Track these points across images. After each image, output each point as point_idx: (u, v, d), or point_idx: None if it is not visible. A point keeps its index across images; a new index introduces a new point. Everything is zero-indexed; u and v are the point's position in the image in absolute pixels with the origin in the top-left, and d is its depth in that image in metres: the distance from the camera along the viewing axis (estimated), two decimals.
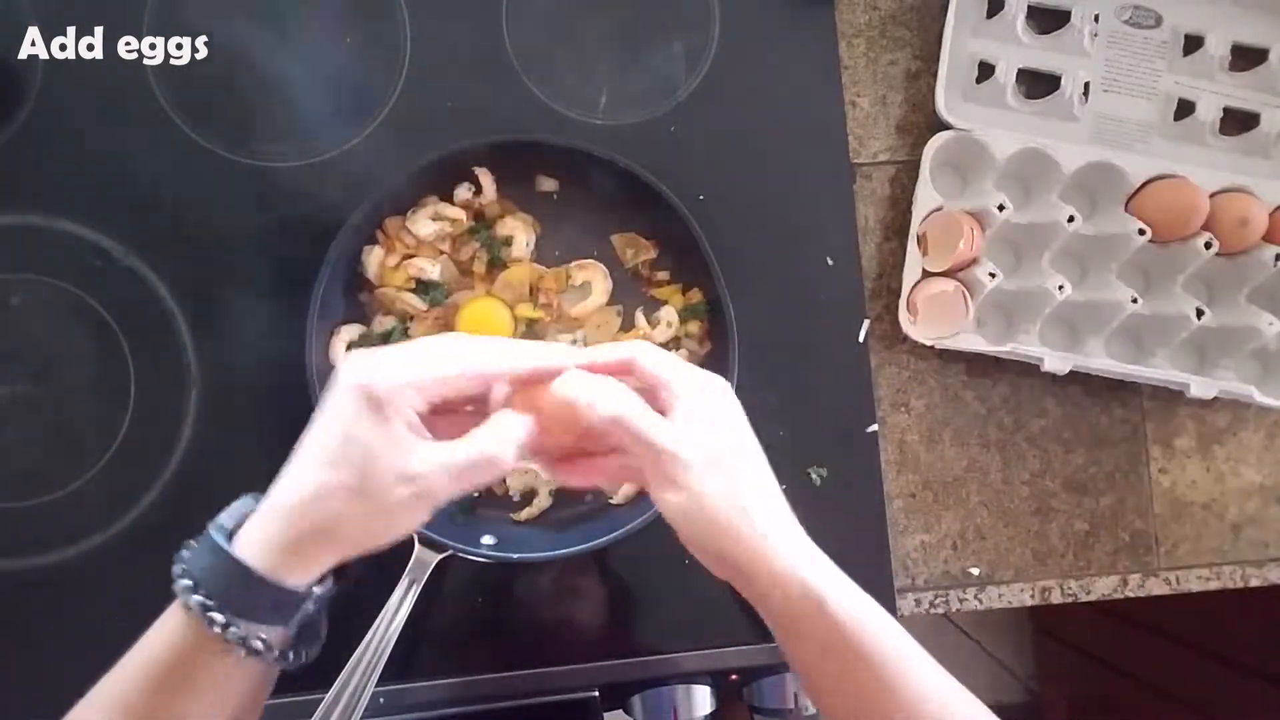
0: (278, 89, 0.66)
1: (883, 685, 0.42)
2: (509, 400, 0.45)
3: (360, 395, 0.40)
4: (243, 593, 0.39)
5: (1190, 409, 0.71)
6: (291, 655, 0.43)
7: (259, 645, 0.40)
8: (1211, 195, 0.66)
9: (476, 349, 0.43)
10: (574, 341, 0.64)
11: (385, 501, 0.40)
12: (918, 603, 0.68)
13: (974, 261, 0.66)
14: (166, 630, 0.40)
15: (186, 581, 0.39)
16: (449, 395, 0.42)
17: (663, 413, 0.44)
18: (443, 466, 0.41)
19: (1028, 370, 0.68)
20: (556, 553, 0.59)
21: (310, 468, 0.40)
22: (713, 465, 0.43)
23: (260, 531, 0.40)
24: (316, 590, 0.42)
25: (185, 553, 0.41)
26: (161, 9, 0.65)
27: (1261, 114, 0.69)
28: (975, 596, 0.69)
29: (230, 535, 0.40)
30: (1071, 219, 0.65)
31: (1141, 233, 0.65)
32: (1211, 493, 0.71)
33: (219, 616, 0.39)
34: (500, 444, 0.42)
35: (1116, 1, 0.69)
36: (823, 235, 0.68)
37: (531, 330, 0.64)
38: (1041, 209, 0.67)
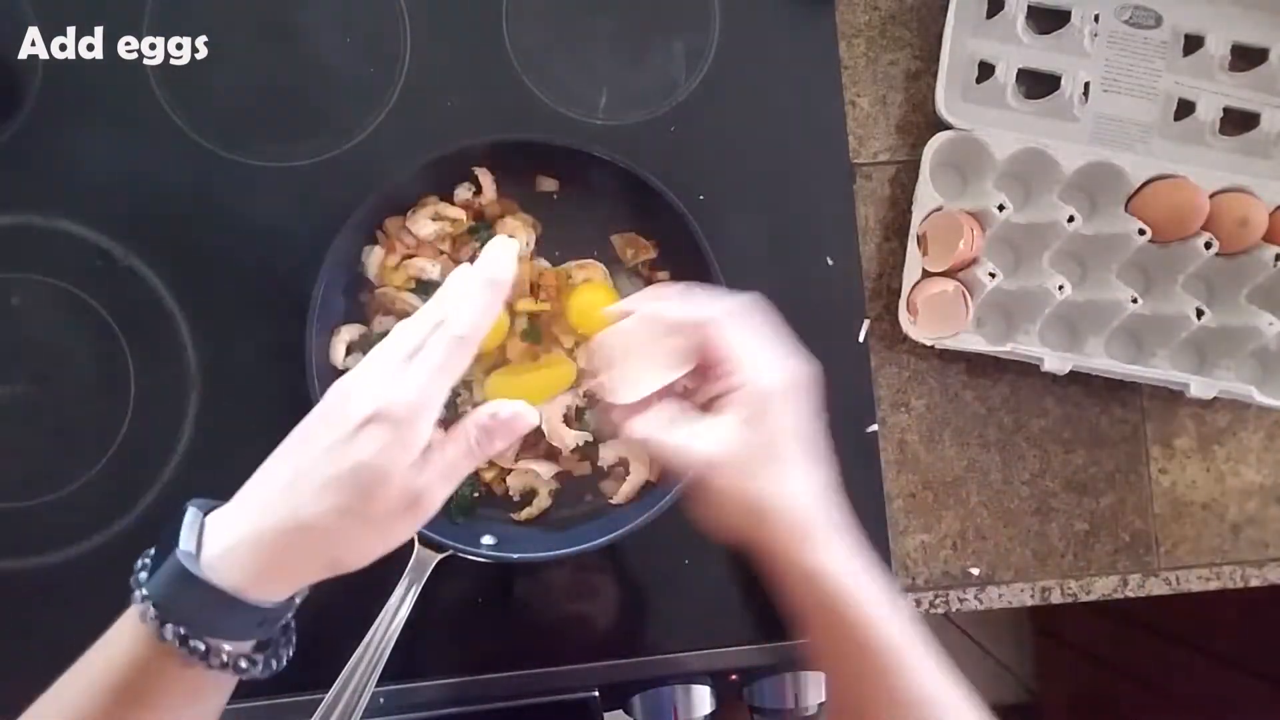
0: (278, 89, 0.66)
1: (879, 670, 0.43)
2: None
3: (385, 424, 0.38)
4: (215, 614, 0.38)
5: (1190, 409, 0.71)
6: (260, 665, 0.41)
7: (226, 659, 0.39)
8: (1211, 195, 0.66)
9: (449, 327, 0.41)
10: (575, 343, 0.64)
11: (386, 524, 0.39)
12: (918, 603, 0.68)
13: (974, 261, 0.66)
14: (125, 644, 0.38)
15: (153, 611, 0.37)
16: (457, 380, 0.41)
17: (717, 382, 0.44)
18: (441, 474, 0.40)
19: (1028, 370, 0.69)
20: (556, 553, 0.59)
21: (308, 491, 0.38)
22: (744, 466, 0.43)
23: (241, 553, 0.38)
24: (296, 600, 0.41)
25: (144, 575, 0.39)
26: (161, 9, 0.65)
27: (1261, 114, 0.69)
28: (975, 596, 0.69)
29: (195, 554, 0.39)
30: (1071, 219, 0.65)
31: (1141, 233, 0.65)
32: (1211, 493, 0.71)
33: (199, 645, 0.37)
34: (489, 421, 0.42)
35: (1116, 1, 0.69)
36: (823, 235, 0.68)
37: (532, 326, 0.64)
38: (1041, 209, 0.67)
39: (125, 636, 0.39)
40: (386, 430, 0.38)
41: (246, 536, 0.39)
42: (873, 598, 0.44)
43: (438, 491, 0.40)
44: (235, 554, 0.38)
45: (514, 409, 0.43)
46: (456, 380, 0.41)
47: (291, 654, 0.44)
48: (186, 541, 0.39)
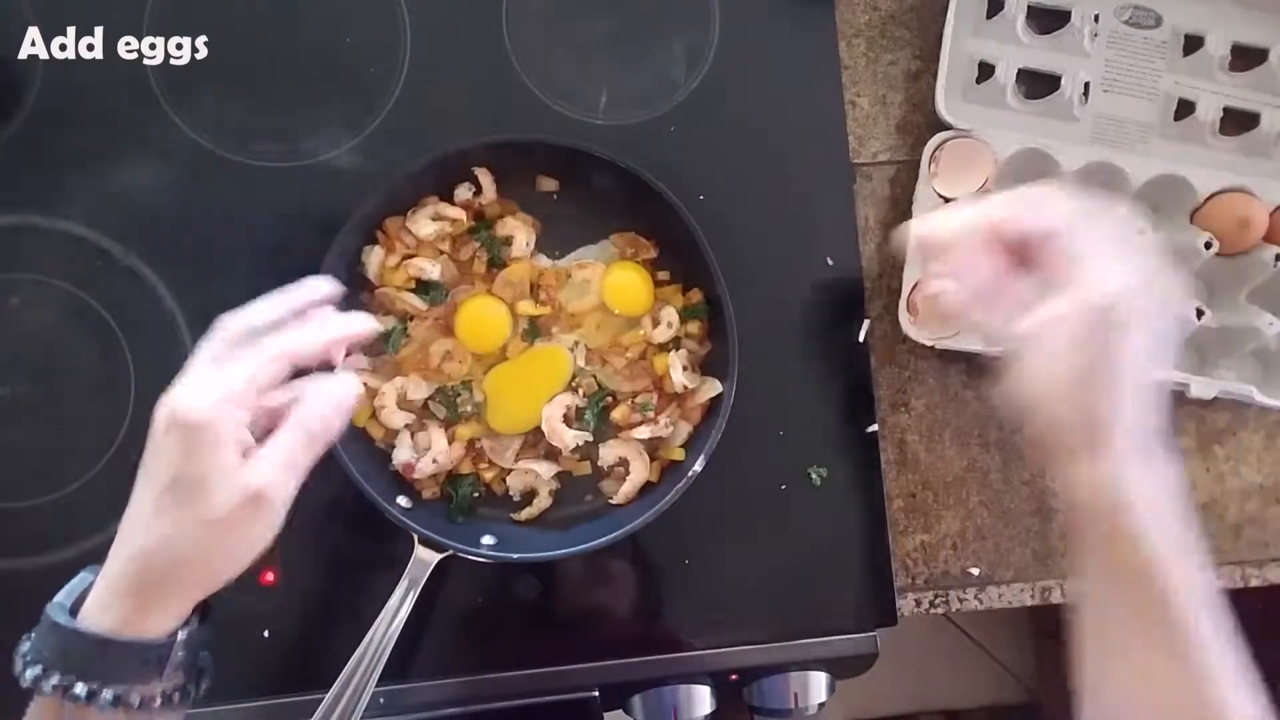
0: (278, 89, 0.66)
1: (1168, 645, 0.39)
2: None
3: (179, 430, 0.38)
4: (100, 659, 0.38)
5: (1190, 409, 0.71)
6: (177, 698, 0.41)
7: (136, 700, 0.39)
8: (1211, 195, 0.66)
9: (273, 341, 0.42)
10: (576, 343, 0.64)
11: (236, 526, 0.39)
12: (918, 603, 0.68)
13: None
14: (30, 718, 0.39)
15: (35, 670, 0.38)
16: (266, 389, 0.41)
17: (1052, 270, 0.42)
18: (278, 467, 0.40)
19: None
20: (556, 553, 0.59)
21: (146, 516, 0.39)
22: (1079, 381, 0.40)
23: (107, 593, 0.39)
24: (181, 635, 0.41)
25: (25, 645, 0.40)
26: (161, 9, 0.65)
27: (1261, 114, 0.69)
28: (975, 596, 0.69)
29: (73, 610, 0.40)
30: None
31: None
32: (1211, 493, 0.71)
33: (81, 688, 0.38)
34: (315, 412, 0.42)
35: (1116, 1, 0.69)
36: (823, 235, 0.68)
37: (532, 326, 0.64)
38: None
39: (29, 714, 0.40)
40: (180, 435, 0.38)
41: (108, 575, 0.40)
42: (1173, 539, 0.40)
43: (280, 484, 0.40)
44: (101, 596, 0.39)
45: (340, 381, 0.43)
46: (263, 378, 0.41)
47: (204, 687, 0.43)
48: (63, 596, 0.40)
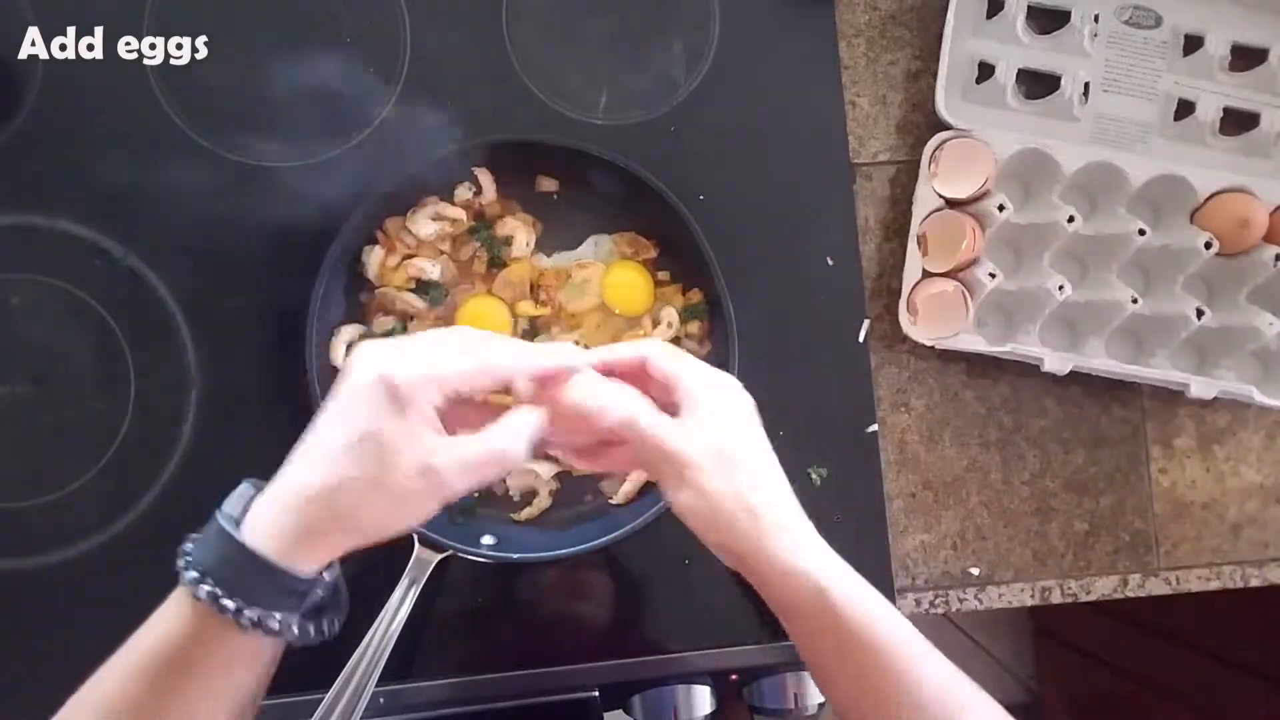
0: (278, 89, 0.66)
1: (884, 672, 0.43)
2: (528, 395, 0.46)
3: (381, 389, 0.40)
4: (253, 579, 0.39)
5: (1190, 409, 0.71)
6: (312, 630, 0.43)
7: (275, 626, 0.40)
8: (1211, 195, 0.66)
9: (494, 348, 0.44)
10: (576, 342, 0.64)
11: (402, 494, 0.40)
12: (918, 603, 0.68)
13: (974, 261, 0.66)
14: (169, 622, 0.40)
15: (193, 573, 0.39)
16: (464, 391, 0.42)
17: (674, 409, 0.45)
18: (460, 461, 0.41)
19: (1028, 370, 0.68)
20: (556, 553, 0.59)
21: (327, 458, 0.40)
22: (721, 464, 0.44)
23: (272, 519, 0.40)
24: (326, 577, 0.42)
25: (189, 545, 0.41)
26: (161, 9, 0.65)
27: (1261, 114, 0.69)
28: (975, 596, 0.69)
29: (237, 523, 0.40)
30: (1071, 219, 0.65)
31: (1141, 233, 0.65)
32: (1211, 493, 0.71)
33: (230, 603, 0.38)
34: (513, 440, 0.43)
35: (1116, 1, 0.69)
36: (823, 235, 0.68)
37: (532, 327, 0.64)
38: (1041, 209, 0.67)
39: (169, 608, 0.40)
40: (389, 395, 0.40)
41: (277, 501, 0.40)
42: (867, 596, 0.44)
43: (454, 473, 0.41)
44: (266, 519, 0.40)
45: (529, 413, 0.44)
46: (465, 374, 0.42)
47: (335, 628, 0.45)
48: (230, 506, 0.41)
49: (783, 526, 0.44)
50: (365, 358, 0.41)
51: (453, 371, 0.41)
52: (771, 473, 0.46)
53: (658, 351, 0.47)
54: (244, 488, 0.42)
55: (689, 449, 0.43)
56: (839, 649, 0.44)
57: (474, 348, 0.43)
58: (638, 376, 0.47)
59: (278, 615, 0.40)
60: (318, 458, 0.41)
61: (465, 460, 0.41)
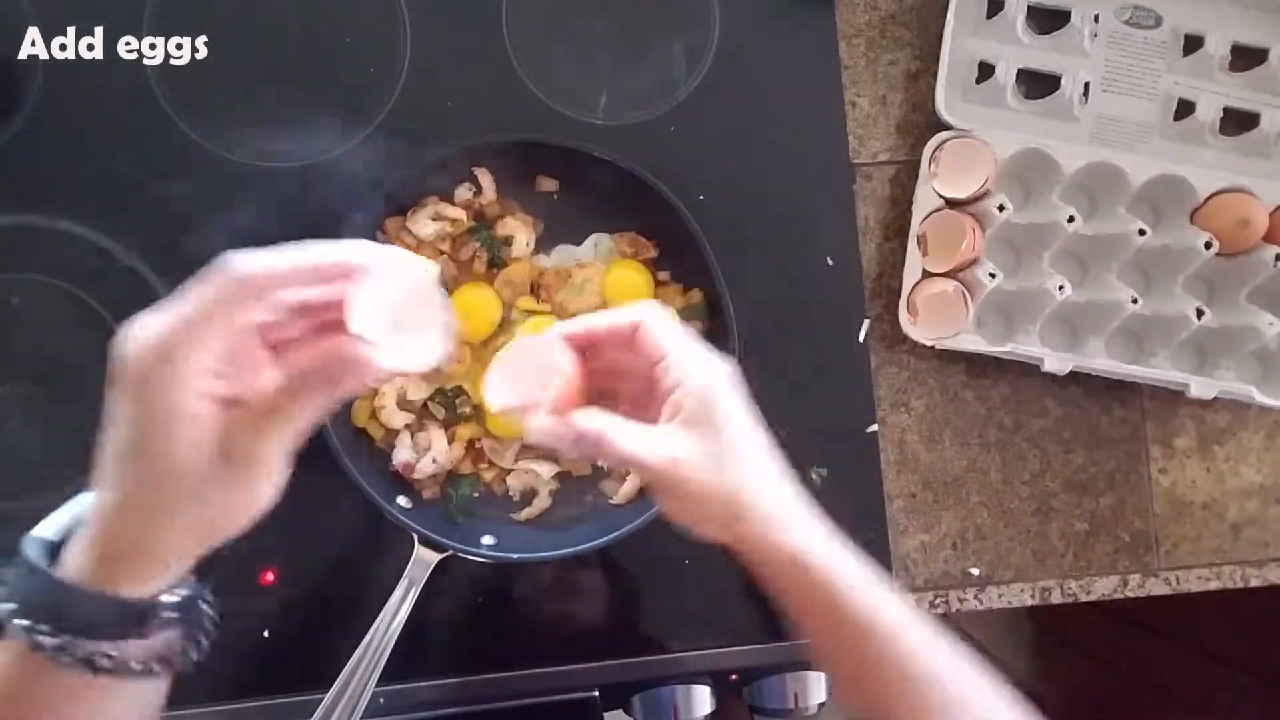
0: (277, 89, 0.66)
1: (882, 652, 0.42)
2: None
3: (127, 369, 0.34)
4: (74, 611, 0.34)
5: (1190, 409, 0.71)
6: (159, 665, 0.36)
7: (106, 664, 0.34)
8: (1211, 195, 0.66)
9: (251, 263, 0.34)
10: None
11: (209, 484, 0.34)
12: (918, 603, 0.68)
13: (974, 261, 0.66)
14: (3, 656, 0.35)
15: (8, 606, 0.34)
16: (242, 325, 0.34)
17: (653, 383, 0.43)
18: (261, 418, 0.34)
19: (1028, 370, 0.68)
20: (556, 553, 0.59)
21: (108, 469, 0.35)
22: (709, 462, 0.41)
23: (85, 541, 0.35)
24: (166, 599, 0.36)
25: (9, 571, 0.36)
26: (161, 9, 0.65)
27: (1261, 114, 0.69)
28: (975, 596, 0.69)
29: (60, 545, 0.36)
30: (1071, 219, 0.65)
31: (1141, 233, 0.65)
32: (1211, 493, 0.71)
33: (49, 641, 0.33)
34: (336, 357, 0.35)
35: (1116, 1, 0.69)
36: (823, 235, 0.68)
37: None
38: (1041, 209, 0.67)
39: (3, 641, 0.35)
40: (136, 375, 0.34)
41: (89, 517, 0.35)
42: (866, 579, 0.43)
43: (264, 438, 0.34)
44: (83, 537, 0.35)
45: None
46: (239, 310, 0.34)
47: (196, 658, 0.39)
48: (46, 530, 0.37)
49: (776, 515, 0.43)
50: (118, 341, 0.34)
51: (199, 308, 0.33)
52: (762, 463, 0.44)
53: (654, 318, 0.43)
54: (72, 503, 0.37)
55: (673, 454, 0.41)
56: (834, 628, 0.43)
57: (235, 275, 0.33)
58: (621, 343, 0.44)
59: (110, 650, 0.34)
60: (100, 472, 0.35)
61: (267, 413, 0.34)
